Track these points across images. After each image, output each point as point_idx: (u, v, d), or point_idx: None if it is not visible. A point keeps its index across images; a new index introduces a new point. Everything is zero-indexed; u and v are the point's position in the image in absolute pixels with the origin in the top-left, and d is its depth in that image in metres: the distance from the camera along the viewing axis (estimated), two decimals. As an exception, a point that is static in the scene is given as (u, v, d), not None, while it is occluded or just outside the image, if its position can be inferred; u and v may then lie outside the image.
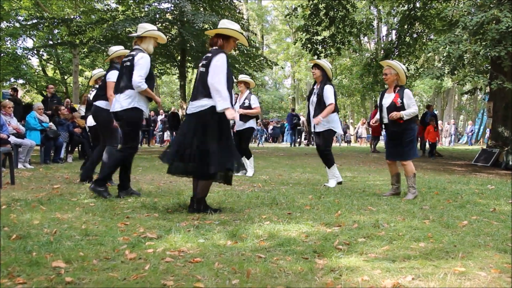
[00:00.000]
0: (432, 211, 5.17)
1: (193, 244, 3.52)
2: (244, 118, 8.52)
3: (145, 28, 5.80)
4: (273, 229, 4.05)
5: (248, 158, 8.71)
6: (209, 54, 4.76)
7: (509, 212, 5.14)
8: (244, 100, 8.62)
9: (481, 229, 4.22)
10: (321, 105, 7.16)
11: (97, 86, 8.03)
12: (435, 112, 17.99)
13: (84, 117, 11.75)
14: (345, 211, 5.02)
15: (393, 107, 6.13)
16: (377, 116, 6.54)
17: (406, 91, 6.16)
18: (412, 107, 6.06)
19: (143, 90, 5.53)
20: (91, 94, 8.03)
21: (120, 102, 5.58)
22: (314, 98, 7.30)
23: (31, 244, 3.34)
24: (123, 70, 5.70)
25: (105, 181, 5.77)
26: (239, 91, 8.99)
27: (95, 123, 7.85)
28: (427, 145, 17.37)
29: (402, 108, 6.06)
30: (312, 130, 7.55)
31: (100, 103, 6.70)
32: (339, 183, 7.41)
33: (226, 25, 4.94)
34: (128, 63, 5.61)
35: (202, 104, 4.65)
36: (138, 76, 5.45)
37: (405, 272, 2.91)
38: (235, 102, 8.87)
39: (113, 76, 6.39)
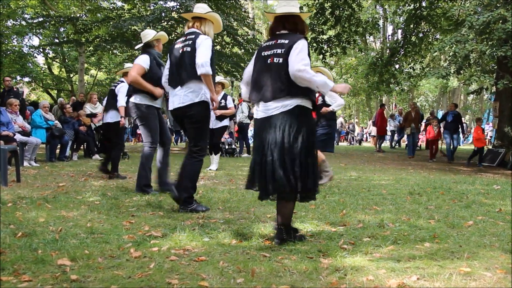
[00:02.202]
0: (437, 211, 5.16)
1: (198, 242, 3.53)
2: (219, 117, 9.34)
3: (205, 8, 5.00)
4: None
5: (216, 153, 9.69)
6: (285, 40, 3.64)
7: (515, 212, 5.12)
8: (221, 100, 9.34)
9: (486, 230, 4.20)
10: None
11: (122, 79, 7.83)
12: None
13: (91, 115, 11.85)
14: (350, 210, 5.02)
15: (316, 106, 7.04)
16: None
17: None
18: (337, 100, 7.25)
19: (207, 76, 4.65)
20: (116, 87, 7.73)
21: (181, 97, 4.78)
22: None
23: (36, 242, 3.35)
24: (179, 58, 4.84)
25: (191, 196, 4.85)
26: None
27: (116, 120, 7.73)
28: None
29: (320, 106, 7.19)
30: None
31: (135, 99, 5.90)
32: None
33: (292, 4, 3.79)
34: (188, 49, 4.75)
35: (285, 103, 3.56)
36: (205, 57, 4.61)
37: (410, 272, 2.90)
38: None
39: (141, 60, 5.80)
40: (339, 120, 31.31)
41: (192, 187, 4.86)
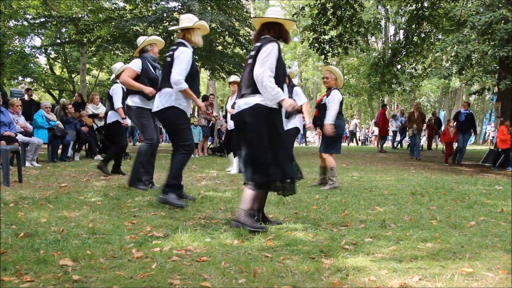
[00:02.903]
0: (439, 211, 5.15)
1: (199, 243, 3.53)
2: None
3: (192, 19, 5.28)
4: (280, 229, 4.05)
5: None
6: (258, 43, 4.09)
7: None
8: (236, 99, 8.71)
9: (488, 230, 4.20)
10: None
11: (116, 81, 7.97)
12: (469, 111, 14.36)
13: (93, 115, 11.86)
14: (352, 211, 5.02)
15: (319, 106, 7.01)
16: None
17: (333, 91, 6.81)
18: (330, 109, 6.66)
19: (183, 90, 5.09)
20: (112, 88, 7.97)
21: (156, 102, 5.24)
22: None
23: (38, 242, 3.36)
24: (164, 67, 5.28)
25: (176, 188, 5.15)
26: (231, 91, 9.32)
27: (114, 120, 7.90)
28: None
29: (324, 106, 6.81)
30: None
31: (129, 101, 6.27)
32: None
33: (276, 13, 4.21)
34: (169, 59, 5.18)
35: (246, 101, 4.04)
36: (177, 74, 5.01)
37: (412, 272, 2.90)
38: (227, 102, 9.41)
39: (132, 64, 6.16)
40: (354, 122, 31.27)
41: (175, 177, 5.14)
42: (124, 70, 6.26)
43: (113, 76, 8.27)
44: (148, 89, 5.92)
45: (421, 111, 17.04)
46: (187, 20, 5.28)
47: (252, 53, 4.07)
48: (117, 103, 7.67)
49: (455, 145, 14.88)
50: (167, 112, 5.16)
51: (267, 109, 4.00)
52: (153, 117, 6.18)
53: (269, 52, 3.93)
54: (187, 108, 5.29)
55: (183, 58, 5.07)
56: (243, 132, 4.12)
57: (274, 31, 4.16)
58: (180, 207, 4.93)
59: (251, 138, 4.02)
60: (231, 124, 8.97)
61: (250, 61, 4.08)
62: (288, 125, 8.59)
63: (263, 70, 3.88)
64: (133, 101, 6.16)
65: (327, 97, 6.87)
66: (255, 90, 3.98)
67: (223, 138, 10.59)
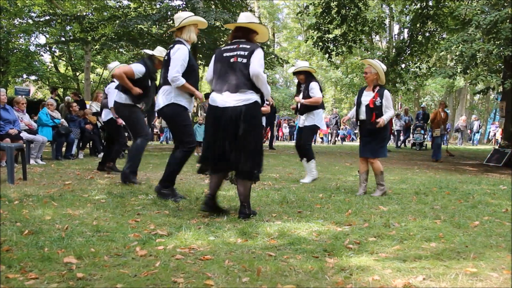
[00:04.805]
0: (443, 211, 5.14)
1: (203, 241, 3.53)
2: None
3: (181, 17, 5.45)
4: (284, 228, 4.05)
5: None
6: (247, 46, 4.47)
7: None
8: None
9: (493, 230, 4.18)
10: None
11: (114, 79, 8.12)
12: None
13: (97, 113, 11.91)
14: (355, 210, 5.01)
15: (370, 106, 6.20)
16: (351, 112, 6.76)
17: (386, 92, 6.24)
18: (389, 111, 6.19)
19: (181, 86, 5.23)
20: (108, 87, 8.23)
21: (159, 100, 5.40)
22: (301, 96, 7.59)
23: (43, 240, 3.37)
24: (163, 66, 5.50)
25: (170, 182, 5.44)
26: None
27: (108, 118, 8.11)
28: None
29: (380, 108, 6.15)
30: (300, 125, 7.81)
31: (116, 98, 6.69)
32: (314, 179, 7.65)
33: (252, 19, 4.67)
34: (166, 57, 5.42)
35: (247, 97, 4.35)
36: (174, 71, 5.18)
37: (416, 272, 2.89)
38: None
39: (135, 66, 6.44)
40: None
41: (171, 174, 5.44)
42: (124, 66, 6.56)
43: (109, 75, 8.51)
44: (136, 90, 6.25)
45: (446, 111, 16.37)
46: (178, 19, 5.46)
47: (242, 52, 4.42)
48: (111, 103, 7.72)
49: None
50: (167, 109, 5.35)
51: (259, 105, 4.52)
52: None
53: (260, 56, 4.41)
54: (188, 104, 5.44)
55: (178, 55, 5.25)
56: (250, 125, 4.36)
57: (249, 33, 4.65)
58: (179, 200, 5.27)
59: (254, 132, 4.41)
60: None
61: (240, 59, 4.40)
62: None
63: (260, 70, 4.35)
64: (121, 98, 6.52)
65: (380, 98, 6.12)
66: (252, 87, 4.39)
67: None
